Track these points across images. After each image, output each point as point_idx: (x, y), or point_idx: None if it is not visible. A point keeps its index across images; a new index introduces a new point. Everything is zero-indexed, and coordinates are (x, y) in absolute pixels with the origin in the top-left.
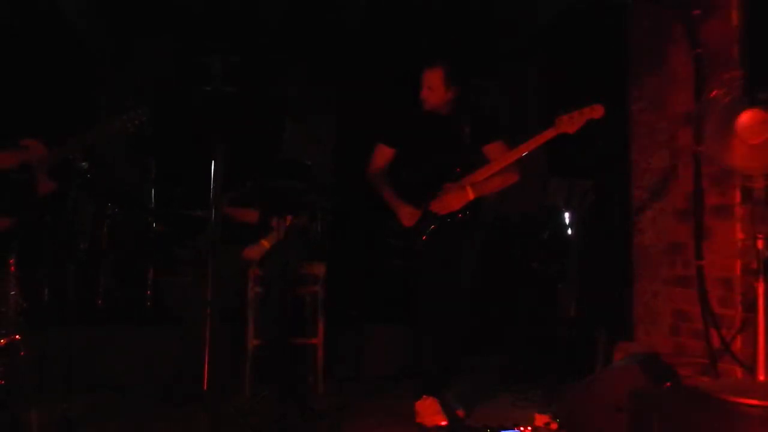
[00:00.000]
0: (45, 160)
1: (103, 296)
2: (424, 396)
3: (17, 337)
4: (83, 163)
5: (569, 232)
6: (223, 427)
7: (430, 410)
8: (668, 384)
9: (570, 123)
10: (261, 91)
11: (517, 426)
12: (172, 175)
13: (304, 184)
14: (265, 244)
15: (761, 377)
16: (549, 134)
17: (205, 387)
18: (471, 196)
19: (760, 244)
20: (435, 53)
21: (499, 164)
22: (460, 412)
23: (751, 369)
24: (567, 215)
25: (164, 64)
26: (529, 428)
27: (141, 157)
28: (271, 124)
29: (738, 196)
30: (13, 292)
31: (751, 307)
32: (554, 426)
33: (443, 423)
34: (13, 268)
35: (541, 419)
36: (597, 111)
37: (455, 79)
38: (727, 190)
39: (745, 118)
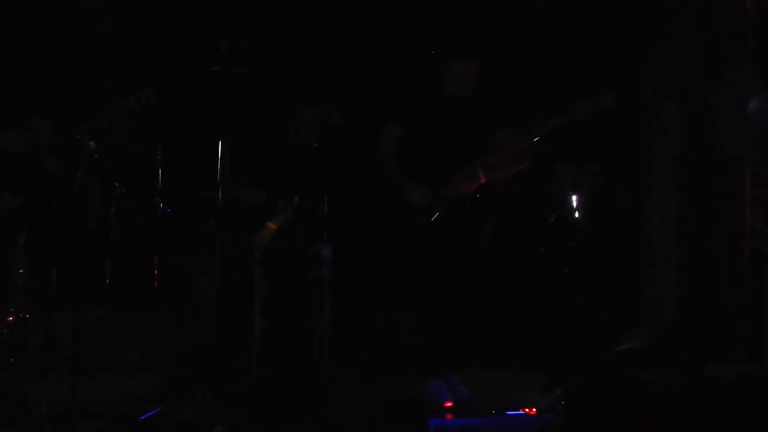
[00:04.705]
0: (53, 140)
1: (110, 277)
2: (430, 378)
3: (26, 315)
4: (91, 143)
5: (576, 215)
6: (230, 409)
7: (435, 392)
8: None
9: (582, 110)
10: (269, 74)
11: (522, 408)
12: (179, 157)
13: (312, 166)
14: (272, 226)
15: None
16: (562, 121)
17: (213, 368)
18: (482, 179)
19: None
20: (445, 36)
21: (512, 149)
22: (465, 394)
23: (757, 353)
24: (574, 198)
25: (173, 45)
26: (534, 410)
27: (149, 138)
28: (279, 106)
29: (747, 181)
30: (21, 271)
31: (758, 292)
32: (559, 409)
33: (448, 404)
34: (22, 246)
35: (545, 402)
36: (608, 98)
37: (485, 68)
38: (736, 175)
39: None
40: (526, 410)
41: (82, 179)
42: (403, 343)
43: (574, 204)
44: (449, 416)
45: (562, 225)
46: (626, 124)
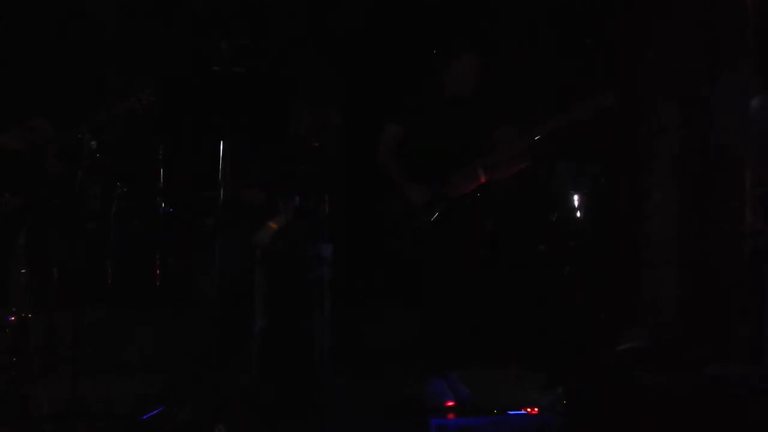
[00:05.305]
0: (53, 140)
1: (110, 277)
2: (431, 377)
3: (27, 315)
4: (92, 143)
5: (577, 215)
6: (231, 407)
7: (436, 391)
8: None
9: (582, 110)
10: (269, 73)
11: (523, 407)
12: (180, 156)
13: (312, 166)
14: (273, 225)
15: None
16: (561, 121)
17: (213, 368)
18: (482, 179)
19: None
20: (445, 36)
21: (512, 149)
22: (466, 394)
23: (757, 353)
24: (575, 198)
25: (173, 45)
26: (536, 410)
27: (149, 137)
28: (280, 105)
29: (747, 181)
30: (23, 271)
31: (758, 292)
32: (559, 408)
33: (449, 404)
34: (22, 246)
35: (546, 401)
36: (608, 98)
37: (485, 65)
38: (736, 175)
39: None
40: (527, 410)
41: (82, 179)
42: (403, 343)
43: (575, 204)
44: (451, 416)
45: (562, 224)
46: (626, 124)
